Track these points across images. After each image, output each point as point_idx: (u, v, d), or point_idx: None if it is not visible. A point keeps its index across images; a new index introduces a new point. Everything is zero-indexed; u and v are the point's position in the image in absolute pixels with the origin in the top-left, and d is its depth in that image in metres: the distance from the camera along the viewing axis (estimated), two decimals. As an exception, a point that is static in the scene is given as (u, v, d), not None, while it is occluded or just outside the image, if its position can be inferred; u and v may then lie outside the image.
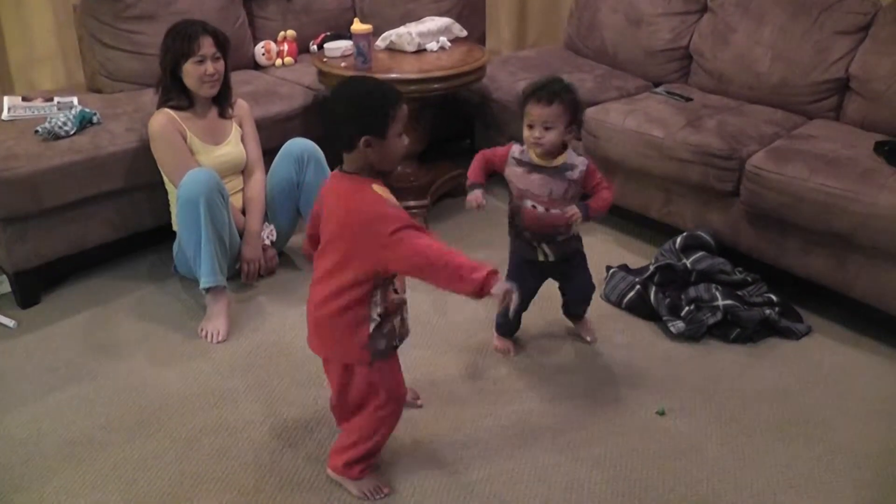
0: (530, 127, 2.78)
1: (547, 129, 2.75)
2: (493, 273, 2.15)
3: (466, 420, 2.84)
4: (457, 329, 3.34)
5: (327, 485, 2.55)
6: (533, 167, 2.86)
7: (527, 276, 2.99)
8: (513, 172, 2.92)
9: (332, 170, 3.42)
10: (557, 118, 2.74)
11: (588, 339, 3.28)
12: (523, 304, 3.07)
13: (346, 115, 2.20)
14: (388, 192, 2.22)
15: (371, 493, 2.51)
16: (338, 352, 2.37)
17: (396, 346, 2.39)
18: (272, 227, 3.66)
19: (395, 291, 2.32)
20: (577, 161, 2.88)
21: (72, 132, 3.49)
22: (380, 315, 2.28)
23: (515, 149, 2.90)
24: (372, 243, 2.16)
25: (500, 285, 2.15)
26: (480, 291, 2.14)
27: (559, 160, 2.85)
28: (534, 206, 2.89)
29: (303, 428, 2.80)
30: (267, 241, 3.61)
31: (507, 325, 3.18)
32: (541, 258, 2.99)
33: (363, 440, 2.46)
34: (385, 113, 2.16)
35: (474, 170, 2.97)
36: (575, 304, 3.25)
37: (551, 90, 2.75)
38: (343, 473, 2.52)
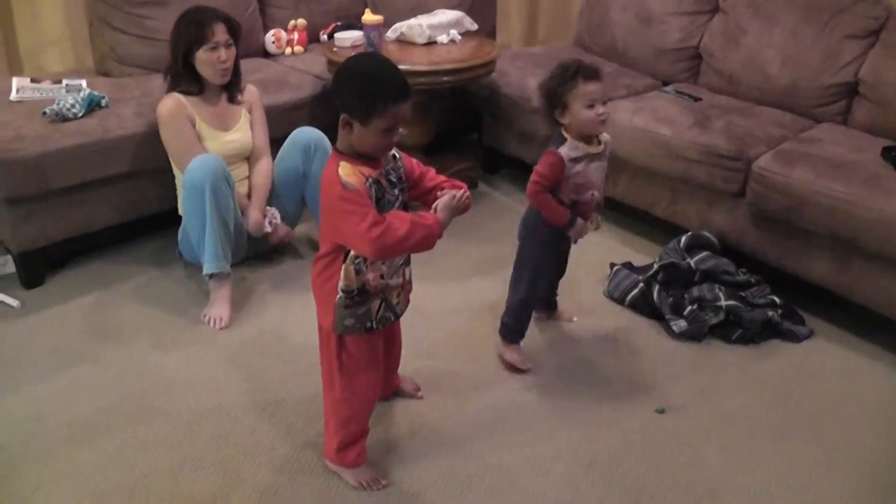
0: (591, 106, 2.70)
1: (605, 103, 2.74)
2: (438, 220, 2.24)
3: (466, 414, 2.85)
4: (458, 321, 3.34)
5: (326, 473, 2.56)
6: (590, 157, 2.80)
7: (552, 258, 3.02)
8: (573, 173, 2.79)
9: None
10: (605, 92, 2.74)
11: (574, 318, 3.33)
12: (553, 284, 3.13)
13: (338, 86, 2.18)
14: (353, 173, 2.12)
15: (368, 484, 2.51)
16: (318, 312, 2.38)
17: (371, 329, 2.34)
18: (274, 209, 3.63)
19: (381, 277, 2.30)
20: (607, 137, 2.89)
21: (80, 115, 3.49)
22: (348, 290, 2.26)
23: (565, 151, 2.76)
24: (329, 216, 2.20)
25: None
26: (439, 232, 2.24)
27: (602, 141, 2.85)
28: (593, 195, 2.87)
29: (303, 415, 2.80)
30: (269, 227, 3.58)
31: (517, 327, 3.09)
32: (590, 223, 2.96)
33: (340, 425, 2.47)
34: (373, 103, 2.08)
35: (556, 206, 2.82)
36: (556, 285, 3.29)
37: (592, 66, 2.74)
38: (337, 461, 2.53)
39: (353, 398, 2.43)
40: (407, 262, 2.40)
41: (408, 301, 2.49)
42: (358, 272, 2.24)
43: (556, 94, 2.74)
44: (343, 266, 2.24)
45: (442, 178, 2.40)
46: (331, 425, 2.51)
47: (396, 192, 2.27)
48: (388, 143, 2.18)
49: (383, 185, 2.21)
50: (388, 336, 2.60)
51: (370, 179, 2.15)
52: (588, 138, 2.79)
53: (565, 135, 2.78)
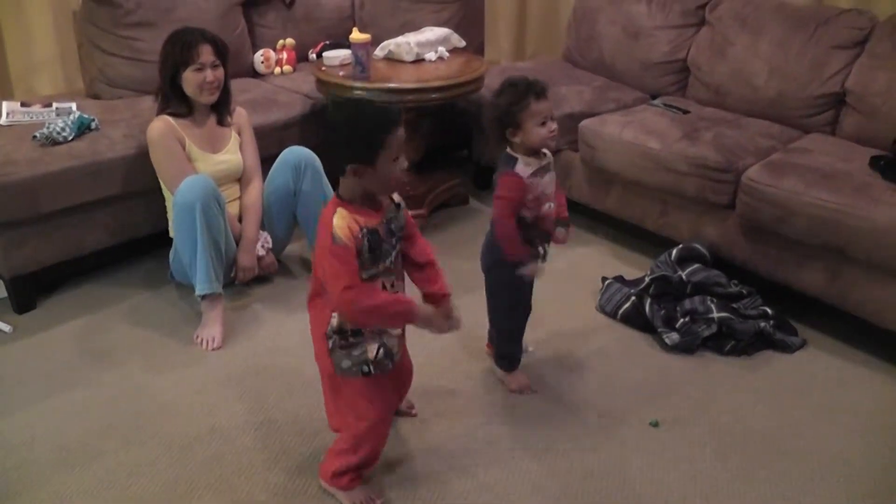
0: (544, 123, 2.68)
1: (553, 118, 2.71)
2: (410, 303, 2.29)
3: (459, 430, 2.84)
4: (449, 337, 3.33)
5: (320, 494, 2.55)
6: (543, 169, 2.76)
7: (526, 287, 2.95)
8: (532, 188, 2.75)
9: (328, 177, 3.44)
10: None
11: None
12: (526, 318, 3.08)
13: (335, 142, 2.19)
14: (347, 225, 2.14)
15: None
16: (315, 354, 2.40)
17: (368, 373, 2.33)
18: (267, 234, 3.65)
19: None
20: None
21: (70, 138, 3.49)
22: (342, 331, 2.28)
23: (521, 169, 2.72)
24: (320, 259, 2.23)
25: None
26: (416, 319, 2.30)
27: (545, 152, 2.80)
28: (549, 206, 2.82)
29: (297, 436, 2.79)
30: (262, 250, 3.60)
31: (512, 355, 3.08)
32: (540, 261, 2.89)
33: (347, 452, 2.46)
34: (372, 141, 2.12)
35: (516, 242, 2.76)
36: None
37: (541, 83, 2.70)
38: (332, 483, 2.51)
39: (359, 438, 2.43)
40: None
41: (404, 351, 2.52)
42: None
43: (508, 113, 2.69)
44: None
45: (432, 259, 2.46)
46: (333, 450, 2.51)
47: (394, 241, 2.29)
48: (398, 175, 2.23)
49: (381, 236, 2.22)
50: (397, 376, 2.57)
51: (364, 230, 2.17)
52: (536, 153, 2.76)
53: (513, 153, 2.74)
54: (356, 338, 2.29)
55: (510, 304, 2.97)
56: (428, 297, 2.45)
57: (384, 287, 2.28)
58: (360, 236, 2.15)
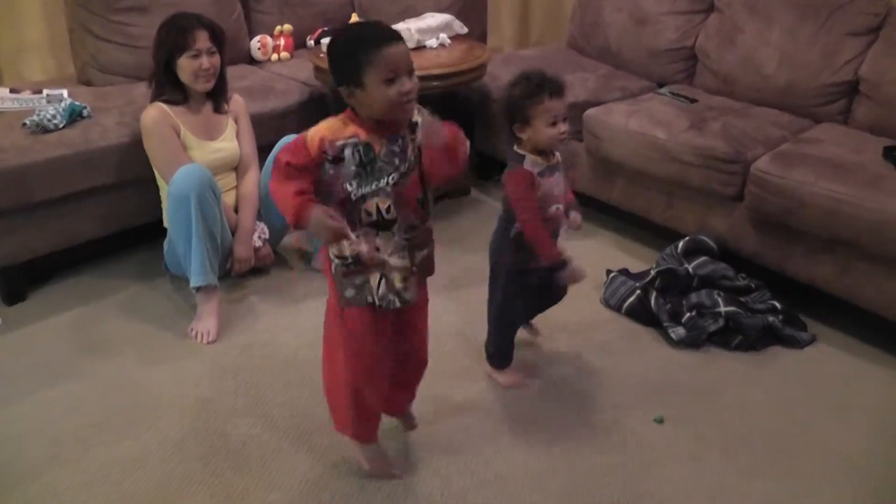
0: (554, 123, 2.65)
1: (565, 120, 2.67)
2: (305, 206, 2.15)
3: (459, 426, 2.86)
4: (451, 332, 3.35)
5: (317, 489, 2.57)
6: (551, 169, 2.74)
7: (535, 287, 2.94)
8: (541, 187, 2.73)
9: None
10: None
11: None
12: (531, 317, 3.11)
13: (329, 62, 2.19)
14: (331, 131, 2.15)
15: (380, 472, 2.60)
16: (328, 288, 2.39)
17: (372, 303, 2.30)
18: (264, 225, 3.67)
19: (378, 250, 2.25)
20: None
21: (61, 125, 3.51)
22: (341, 257, 2.25)
23: (530, 166, 2.70)
24: None
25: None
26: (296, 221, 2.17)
27: (554, 152, 2.78)
28: (557, 208, 2.79)
29: (294, 430, 2.81)
30: (258, 241, 3.62)
31: (504, 353, 3.08)
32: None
33: (348, 404, 2.47)
34: (356, 56, 2.08)
35: (549, 242, 2.73)
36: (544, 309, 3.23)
37: (557, 81, 2.67)
38: (343, 432, 2.58)
39: (358, 374, 2.42)
40: (417, 246, 2.32)
41: (421, 291, 2.42)
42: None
43: (518, 107, 2.66)
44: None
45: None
46: (338, 402, 2.53)
47: (397, 161, 2.20)
48: (397, 99, 2.10)
49: (376, 151, 2.17)
50: (401, 327, 2.48)
51: (350, 141, 2.14)
52: (545, 154, 2.74)
53: (520, 151, 2.72)
54: (356, 266, 2.25)
55: (510, 304, 2.95)
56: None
57: (378, 209, 2.21)
58: (339, 146, 2.13)
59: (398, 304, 2.32)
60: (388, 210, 2.22)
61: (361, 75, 2.09)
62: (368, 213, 2.21)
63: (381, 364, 2.45)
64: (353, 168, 2.15)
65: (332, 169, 2.16)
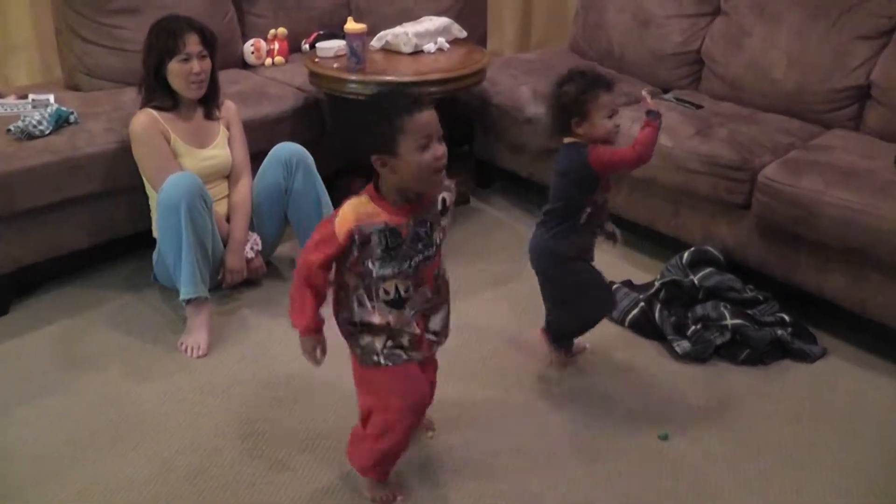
0: (610, 117, 2.78)
1: (618, 113, 2.82)
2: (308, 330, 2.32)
3: (458, 442, 2.84)
4: (443, 348, 3.33)
5: (310, 509, 2.56)
6: None
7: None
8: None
9: (320, 174, 3.45)
10: None
11: (587, 346, 3.34)
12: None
13: (357, 132, 2.21)
14: (359, 216, 2.19)
15: (383, 501, 2.57)
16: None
17: (378, 364, 2.34)
18: (256, 236, 3.65)
19: (388, 324, 2.30)
20: None
21: (47, 132, 3.50)
22: (352, 322, 2.33)
23: None
24: None
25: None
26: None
27: None
28: (605, 199, 2.97)
29: (286, 447, 2.80)
30: (251, 252, 3.61)
31: (566, 338, 3.21)
32: (614, 242, 3.17)
33: (373, 439, 2.46)
34: (389, 126, 2.11)
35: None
36: None
37: (608, 77, 2.81)
38: (364, 473, 2.57)
39: (385, 427, 2.42)
40: (430, 311, 2.39)
41: (430, 353, 2.49)
42: (360, 304, 2.30)
43: (577, 102, 2.76)
44: (353, 295, 2.30)
45: None
46: (360, 434, 2.52)
47: (420, 246, 2.27)
48: (431, 165, 2.14)
49: (402, 235, 2.22)
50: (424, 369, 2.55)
51: (378, 227, 2.19)
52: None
53: (579, 142, 2.81)
54: (365, 328, 2.32)
55: (583, 292, 3.07)
56: None
57: (396, 289, 2.27)
58: (366, 232, 2.18)
59: (405, 358, 2.37)
60: (406, 290, 2.28)
61: (396, 144, 2.11)
62: (387, 292, 2.27)
63: (411, 409, 2.45)
64: (379, 251, 2.20)
65: (357, 250, 2.22)
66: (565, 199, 2.89)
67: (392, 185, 2.20)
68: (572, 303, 3.09)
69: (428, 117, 2.14)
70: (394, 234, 2.20)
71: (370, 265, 2.22)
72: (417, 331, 2.36)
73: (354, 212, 2.19)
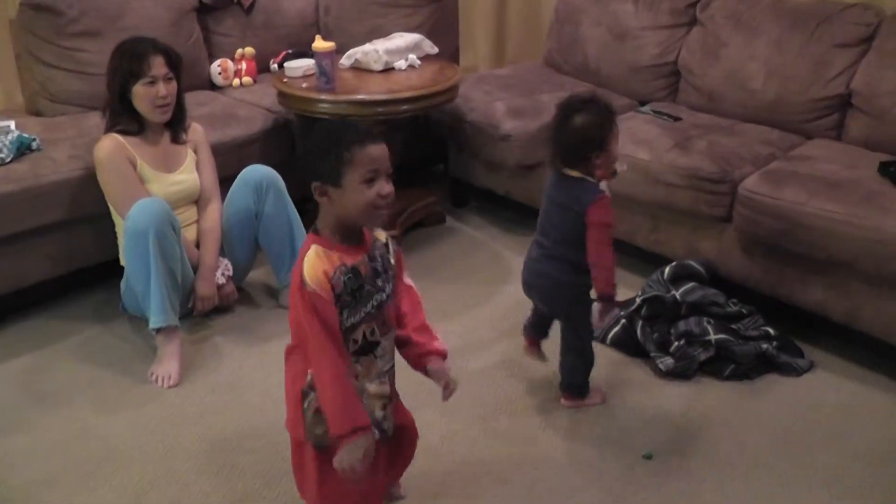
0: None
1: None
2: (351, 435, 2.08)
3: (437, 469, 2.82)
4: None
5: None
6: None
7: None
8: None
9: (291, 198, 3.41)
10: None
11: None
12: None
13: (305, 159, 2.14)
14: (319, 264, 2.06)
15: None
16: (286, 416, 2.27)
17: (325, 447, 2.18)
18: (227, 261, 3.64)
19: (357, 377, 2.17)
20: None
21: (8, 160, 3.48)
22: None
23: (606, 189, 2.80)
24: (293, 300, 2.12)
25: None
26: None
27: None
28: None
29: (261, 478, 2.77)
30: (222, 279, 3.58)
31: (587, 381, 3.15)
32: None
33: None
34: (335, 156, 2.02)
35: (613, 274, 2.85)
36: None
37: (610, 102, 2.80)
38: None
39: None
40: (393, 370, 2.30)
41: (397, 418, 2.35)
42: None
43: (600, 137, 2.71)
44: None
45: (428, 340, 2.34)
46: None
47: (380, 282, 2.17)
48: (374, 201, 2.06)
49: (363, 274, 2.12)
50: (392, 447, 2.42)
51: (341, 269, 2.07)
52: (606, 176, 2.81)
53: (590, 178, 2.77)
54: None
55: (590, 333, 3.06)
56: (415, 358, 2.34)
57: (364, 335, 2.15)
58: (338, 278, 2.06)
59: (377, 435, 2.21)
60: (371, 333, 2.18)
61: (340, 175, 2.03)
62: (356, 342, 2.16)
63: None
64: (346, 298, 2.09)
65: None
66: (577, 230, 2.80)
67: (331, 220, 2.11)
68: (586, 339, 3.06)
69: (378, 151, 2.07)
70: (354, 274, 2.10)
71: (342, 316, 2.11)
72: (388, 389, 2.26)
73: (318, 261, 2.06)
